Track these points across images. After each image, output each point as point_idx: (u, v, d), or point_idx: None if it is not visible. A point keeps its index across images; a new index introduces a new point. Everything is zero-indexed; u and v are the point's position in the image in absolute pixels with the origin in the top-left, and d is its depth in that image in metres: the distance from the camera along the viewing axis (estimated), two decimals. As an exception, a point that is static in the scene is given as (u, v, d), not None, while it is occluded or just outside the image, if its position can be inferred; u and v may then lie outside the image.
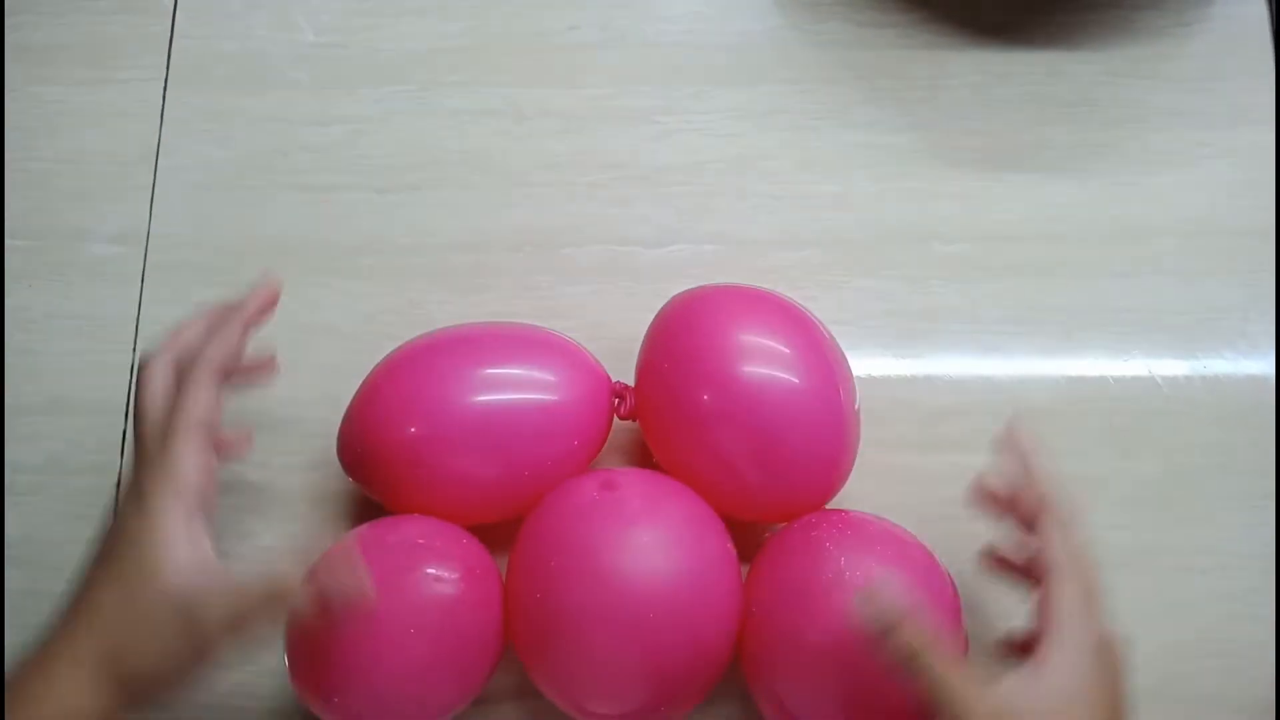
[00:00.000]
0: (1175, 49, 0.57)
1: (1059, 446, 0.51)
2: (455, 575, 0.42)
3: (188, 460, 0.38)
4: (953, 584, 0.44)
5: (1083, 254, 0.54)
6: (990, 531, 0.50)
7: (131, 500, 0.38)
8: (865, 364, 0.53)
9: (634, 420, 0.48)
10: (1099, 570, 0.40)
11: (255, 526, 0.50)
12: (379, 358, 0.47)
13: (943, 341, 0.53)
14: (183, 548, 0.37)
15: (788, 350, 0.45)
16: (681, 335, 0.46)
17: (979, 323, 0.53)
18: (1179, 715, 0.48)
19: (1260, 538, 0.50)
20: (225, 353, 0.41)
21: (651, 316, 0.53)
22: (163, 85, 0.57)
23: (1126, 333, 0.53)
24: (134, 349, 0.53)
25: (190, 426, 0.39)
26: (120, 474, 0.51)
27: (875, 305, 0.53)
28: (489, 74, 0.57)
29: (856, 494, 0.50)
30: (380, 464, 0.44)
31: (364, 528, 0.44)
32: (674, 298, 0.48)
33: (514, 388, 0.45)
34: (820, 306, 0.53)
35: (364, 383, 0.46)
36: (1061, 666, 0.37)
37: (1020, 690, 0.36)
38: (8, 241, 0.54)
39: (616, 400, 0.48)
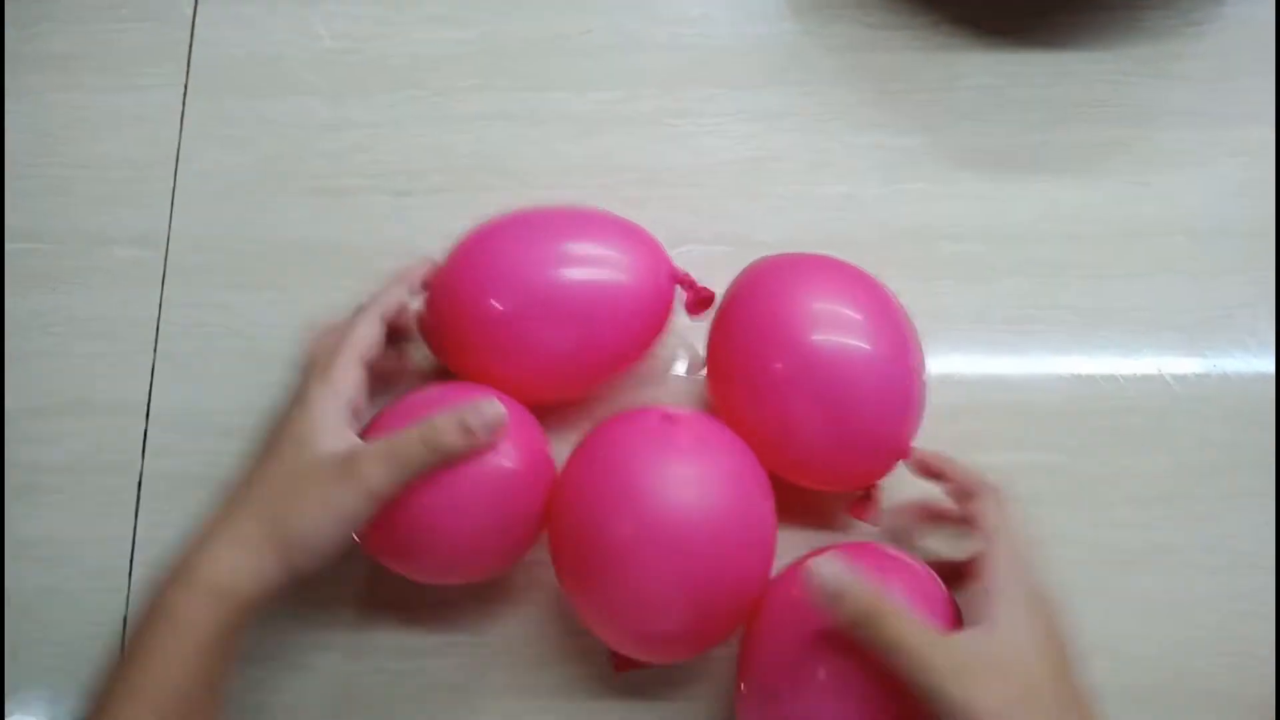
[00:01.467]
0: (1185, 48, 0.57)
1: (1069, 445, 0.52)
2: (515, 455, 0.44)
3: (347, 374, 0.43)
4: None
5: (1093, 254, 0.54)
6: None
7: (295, 404, 0.43)
8: (876, 364, 0.53)
9: (699, 317, 0.50)
10: (1030, 537, 0.42)
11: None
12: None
13: (953, 341, 0.53)
14: (334, 432, 0.42)
15: (860, 319, 0.45)
16: (754, 301, 0.47)
17: (989, 323, 0.53)
18: (1189, 713, 0.48)
19: (1270, 536, 0.50)
20: (393, 302, 0.46)
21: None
22: (182, 91, 0.58)
23: (1137, 332, 0.53)
24: (154, 350, 0.54)
25: (352, 349, 0.44)
26: (141, 474, 0.52)
27: (886, 305, 0.54)
28: (503, 78, 0.58)
29: (867, 492, 0.51)
30: (457, 334, 0.47)
31: (435, 388, 0.46)
32: (750, 264, 0.49)
33: (586, 264, 0.47)
34: (831, 307, 0.54)
35: (445, 258, 0.48)
36: (1011, 621, 0.38)
37: (977, 645, 0.37)
38: (30, 246, 0.55)
39: (681, 288, 0.50)
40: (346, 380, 0.43)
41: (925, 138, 0.56)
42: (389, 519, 0.43)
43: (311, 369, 0.44)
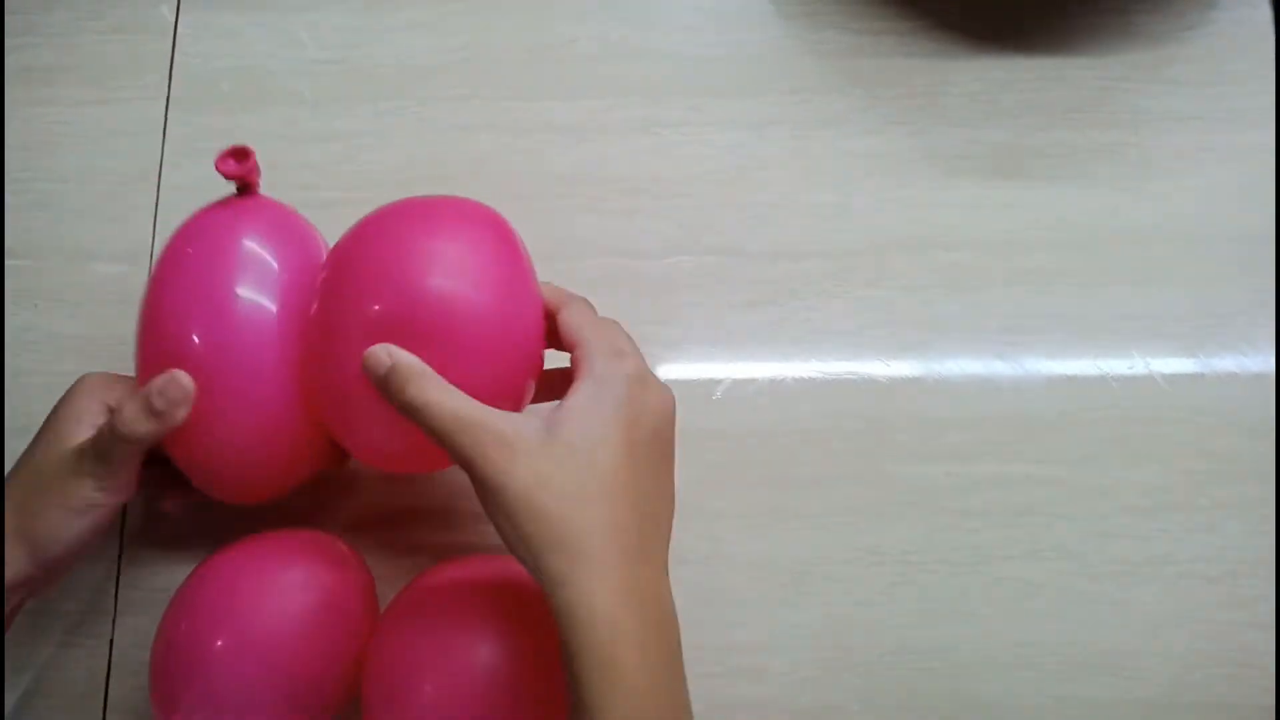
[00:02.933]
0: (1177, 52, 0.57)
1: (1065, 457, 0.51)
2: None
3: (128, 386, 0.44)
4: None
5: (1085, 261, 0.54)
6: (994, 543, 0.50)
7: (72, 390, 0.45)
8: (867, 374, 0.52)
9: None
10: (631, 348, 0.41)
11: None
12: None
13: (945, 351, 0.53)
14: (87, 427, 0.43)
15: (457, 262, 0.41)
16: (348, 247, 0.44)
17: (981, 332, 0.53)
18: (1187, 725, 0.48)
19: (1268, 545, 0.50)
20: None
21: (655, 329, 0.53)
22: (164, 104, 0.57)
23: (1131, 339, 0.53)
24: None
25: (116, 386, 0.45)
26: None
27: (877, 315, 0.53)
28: (489, 88, 0.57)
29: (859, 503, 0.50)
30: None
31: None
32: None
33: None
34: (822, 316, 0.53)
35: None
36: (590, 399, 0.38)
37: (530, 423, 0.37)
38: (11, 262, 0.55)
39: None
40: (122, 389, 0.44)
41: (915, 145, 0.56)
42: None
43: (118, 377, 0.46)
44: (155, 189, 0.56)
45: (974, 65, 0.57)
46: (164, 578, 0.50)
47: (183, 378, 0.41)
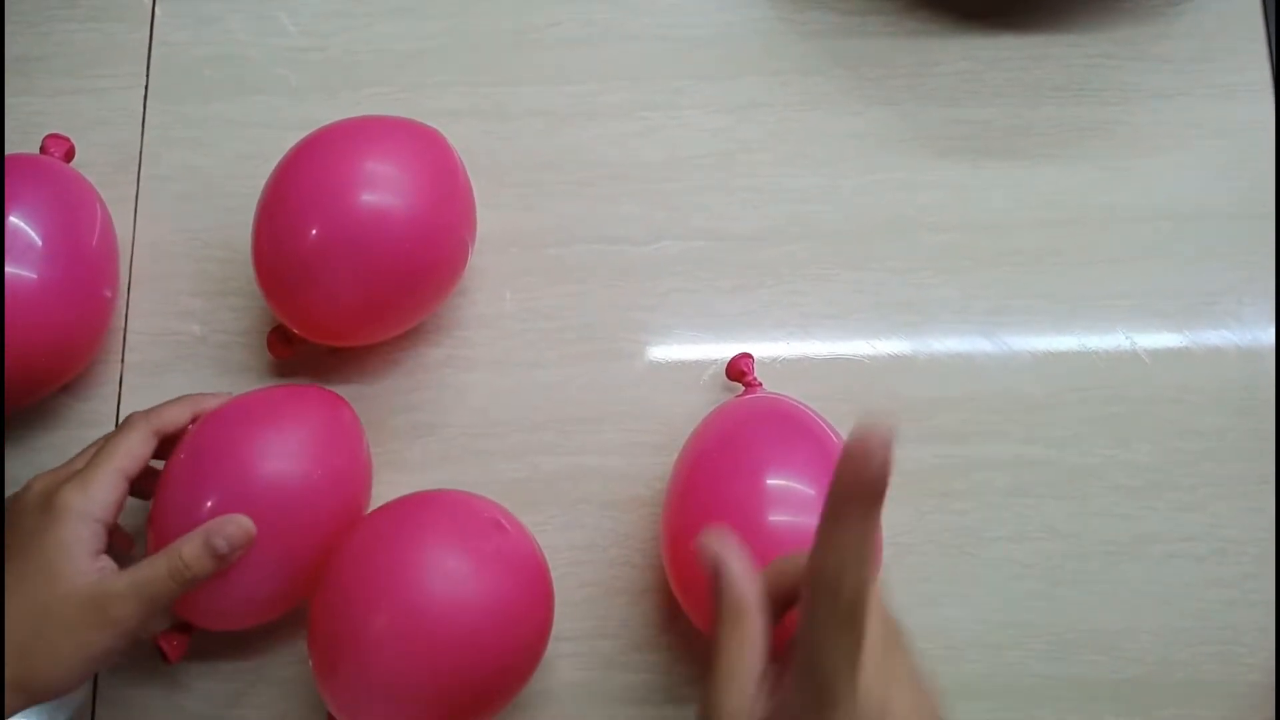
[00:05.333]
0: (1165, 29, 0.56)
1: (1053, 436, 0.51)
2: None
3: (105, 490, 0.42)
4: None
5: (1074, 240, 0.54)
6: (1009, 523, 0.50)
7: (45, 511, 0.41)
8: (855, 356, 0.52)
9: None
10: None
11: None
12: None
13: (933, 333, 0.53)
14: (85, 560, 0.40)
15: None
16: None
17: (969, 313, 0.53)
18: (1176, 702, 0.48)
19: (1256, 523, 0.50)
20: (168, 420, 0.45)
21: (642, 315, 0.53)
22: (143, 93, 0.56)
23: (1119, 319, 0.53)
24: (122, 361, 0.52)
25: (115, 461, 0.42)
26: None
27: (864, 298, 0.53)
28: (471, 73, 0.56)
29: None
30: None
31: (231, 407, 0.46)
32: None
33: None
34: (809, 300, 0.53)
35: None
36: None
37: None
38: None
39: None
40: (106, 497, 0.42)
41: (902, 125, 0.55)
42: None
43: (69, 472, 0.43)
44: (135, 180, 0.55)
45: (960, 44, 0.56)
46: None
47: (245, 521, 0.41)
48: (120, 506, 0.42)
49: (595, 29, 0.57)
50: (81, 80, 0.56)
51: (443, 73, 0.56)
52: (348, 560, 0.42)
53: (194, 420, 0.46)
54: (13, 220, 0.46)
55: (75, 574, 0.40)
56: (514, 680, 0.43)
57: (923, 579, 0.50)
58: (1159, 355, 0.52)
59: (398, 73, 0.56)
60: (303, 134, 0.55)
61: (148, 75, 0.57)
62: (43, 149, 0.52)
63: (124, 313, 0.53)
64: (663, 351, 0.53)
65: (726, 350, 0.52)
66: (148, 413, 0.45)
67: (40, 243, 0.46)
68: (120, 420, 0.50)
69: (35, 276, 0.45)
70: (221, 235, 0.54)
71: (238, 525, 0.41)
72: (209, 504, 0.42)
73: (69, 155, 0.52)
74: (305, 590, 0.44)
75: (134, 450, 0.43)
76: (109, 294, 0.50)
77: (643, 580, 0.50)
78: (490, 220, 0.52)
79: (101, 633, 0.39)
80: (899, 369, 0.52)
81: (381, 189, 0.46)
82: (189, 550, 0.41)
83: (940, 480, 0.51)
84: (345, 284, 0.46)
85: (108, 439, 0.44)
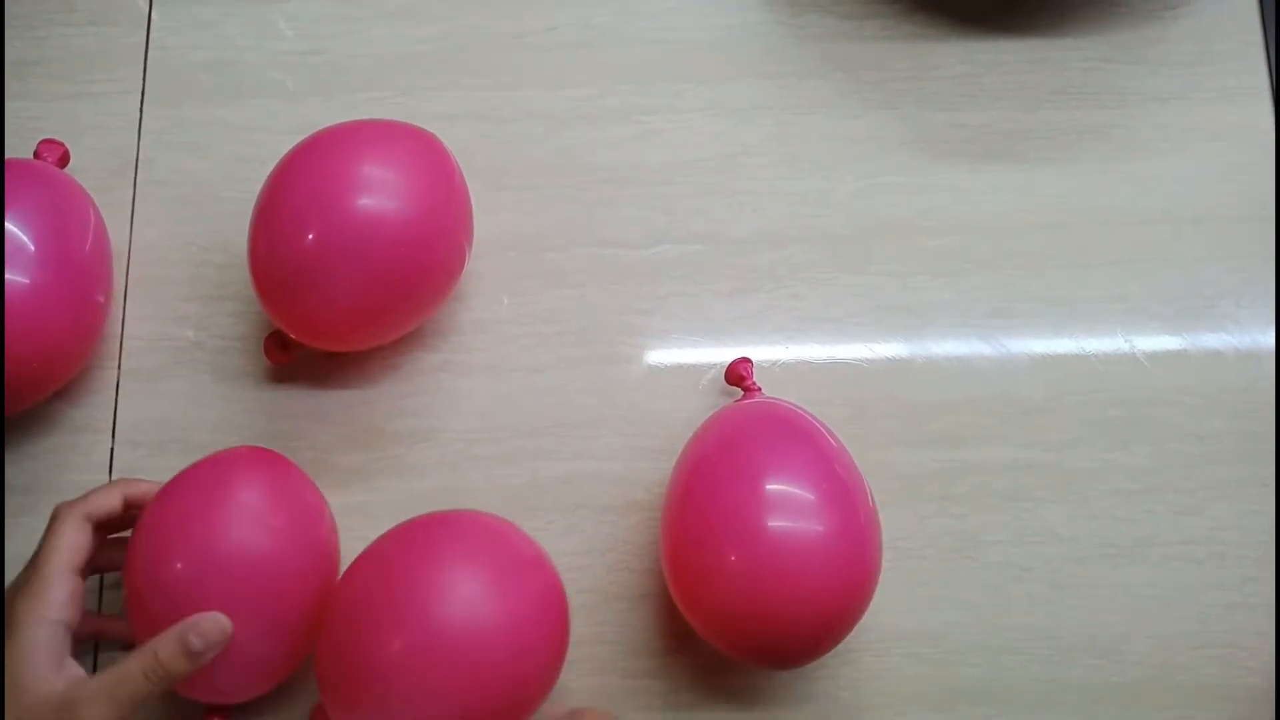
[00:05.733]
0: (1162, 33, 0.56)
1: (1052, 439, 0.51)
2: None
3: (57, 590, 0.41)
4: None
5: (1072, 243, 0.54)
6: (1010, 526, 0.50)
7: (10, 633, 0.40)
8: (854, 360, 0.52)
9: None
10: None
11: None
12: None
13: (931, 336, 0.52)
14: (47, 667, 0.40)
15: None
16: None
17: (968, 316, 0.53)
18: (1175, 706, 0.48)
19: (1255, 526, 0.50)
20: (96, 507, 0.44)
21: (640, 319, 0.53)
22: (139, 97, 0.56)
23: (1117, 322, 0.53)
24: (118, 366, 0.52)
25: (60, 559, 0.42)
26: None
27: (863, 301, 0.53)
28: (469, 77, 0.56)
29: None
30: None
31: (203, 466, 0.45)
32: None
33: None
34: (807, 303, 0.53)
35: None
36: None
37: None
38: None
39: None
40: (57, 597, 0.41)
41: (900, 129, 0.55)
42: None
43: (20, 582, 0.42)
44: (132, 184, 0.55)
45: (958, 48, 0.56)
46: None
47: (222, 619, 0.40)
48: (76, 600, 0.42)
49: (593, 32, 0.57)
50: (78, 85, 0.56)
51: (440, 76, 0.56)
52: (364, 591, 0.41)
53: (127, 506, 0.45)
54: (5, 226, 0.46)
55: (39, 683, 0.39)
56: (528, 708, 0.42)
57: (922, 583, 0.50)
58: (1157, 358, 0.52)
59: (395, 76, 0.56)
60: (300, 138, 0.55)
61: (144, 80, 0.56)
62: (36, 154, 0.52)
63: (120, 318, 0.53)
64: (661, 355, 0.53)
65: (725, 354, 0.52)
66: (75, 502, 0.44)
67: (32, 248, 0.46)
68: (113, 432, 0.50)
69: (27, 282, 0.45)
70: (218, 240, 0.54)
71: (214, 623, 0.40)
72: (179, 586, 0.41)
73: (63, 160, 0.52)
74: (303, 649, 0.44)
75: (72, 543, 0.42)
76: (102, 299, 0.50)
77: (641, 585, 0.49)
78: (488, 224, 0.52)
79: None
80: (897, 372, 0.52)
81: (377, 193, 0.46)
82: (164, 650, 0.40)
83: (939, 484, 0.51)
84: (341, 289, 0.46)
85: (44, 539, 0.43)
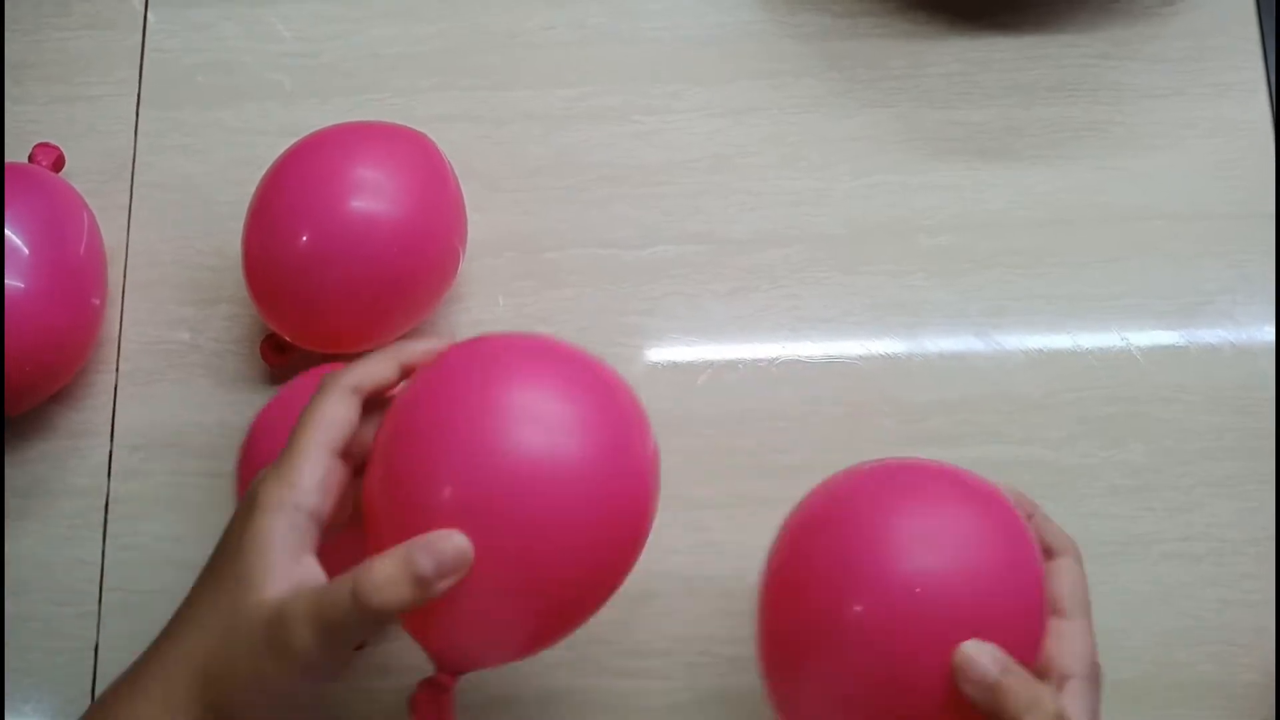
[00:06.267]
0: (1158, 29, 0.56)
1: (1049, 437, 0.51)
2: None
3: (309, 471, 0.33)
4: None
5: (1068, 241, 0.54)
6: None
7: (243, 508, 0.34)
8: (850, 359, 0.52)
9: None
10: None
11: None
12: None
13: (928, 335, 0.52)
14: (284, 564, 0.32)
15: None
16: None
17: (965, 315, 0.53)
18: (1174, 703, 0.48)
19: (1253, 523, 0.50)
20: (367, 377, 0.36)
21: (637, 319, 0.53)
22: (136, 100, 0.56)
23: (1114, 319, 0.53)
24: (116, 370, 0.52)
25: (315, 434, 0.34)
26: (107, 497, 0.51)
27: (859, 301, 0.53)
28: (465, 77, 0.56)
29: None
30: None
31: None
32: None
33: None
34: (804, 304, 0.53)
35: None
36: None
37: None
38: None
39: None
40: (306, 479, 0.33)
41: (896, 127, 0.55)
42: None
43: (267, 469, 0.35)
44: (129, 188, 0.55)
45: (953, 45, 0.56)
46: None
47: (461, 541, 0.32)
48: (333, 489, 0.34)
49: (589, 32, 0.57)
50: (74, 87, 0.56)
51: (436, 77, 0.56)
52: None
53: (404, 376, 0.37)
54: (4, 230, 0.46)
55: (267, 579, 0.32)
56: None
57: (919, 581, 0.50)
58: (1154, 355, 0.52)
59: (391, 77, 0.56)
60: (297, 140, 0.55)
61: (140, 82, 0.56)
62: (31, 158, 0.52)
63: (118, 321, 0.53)
64: (658, 355, 0.53)
65: (722, 354, 0.52)
66: (342, 372, 0.36)
67: (26, 252, 0.46)
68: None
69: (21, 286, 0.45)
70: (214, 242, 0.54)
71: (451, 543, 0.32)
72: (438, 494, 0.33)
73: (58, 164, 0.52)
74: (574, 617, 0.36)
75: (331, 417, 0.34)
76: (97, 302, 0.50)
77: (639, 588, 0.49)
78: (484, 225, 0.52)
79: (279, 664, 0.31)
80: (894, 371, 0.52)
81: (369, 195, 0.46)
82: (382, 571, 0.31)
83: (936, 482, 0.51)
84: (335, 291, 0.46)
85: (302, 411, 0.35)
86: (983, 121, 0.55)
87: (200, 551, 0.49)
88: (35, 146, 0.52)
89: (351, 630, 0.31)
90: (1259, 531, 0.50)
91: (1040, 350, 0.52)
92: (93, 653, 0.49)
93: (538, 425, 0.34)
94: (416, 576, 0.31)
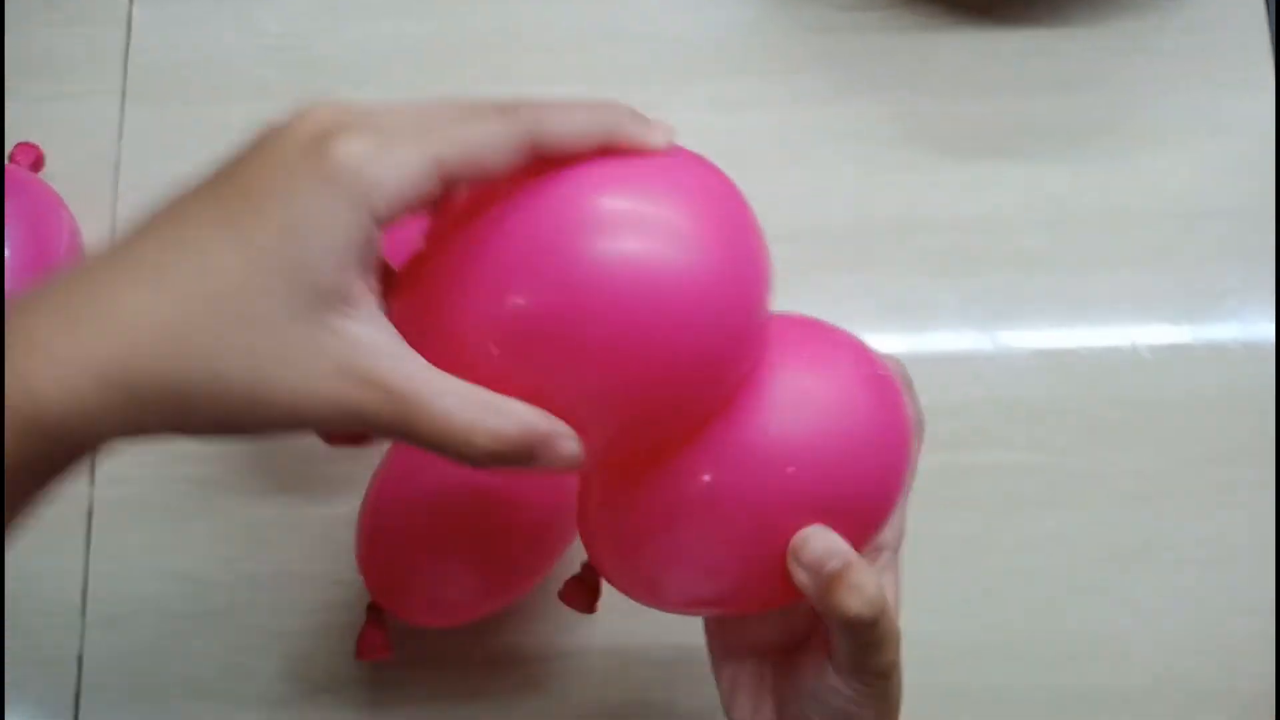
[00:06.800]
0: (1166, 23, 0.55)
1: (1055, 441, 0.50)
2: None
3: (406, 168, 0.25)
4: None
5: (1074, 239, 0.53)
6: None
7: (306, 155, 0.25)
8: (854, 363, 0.51)
9: None
10: None
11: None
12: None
13: (931, 336, 0.52)
14: (349, 254, 0.24)
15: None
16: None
17: (968, 316, 0.52)
18: (1179, 711, 0.47)
19: (1260, 529, 0.49)
20: (556, 131, 0.28)
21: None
22: (120, 98, 0.55)
23: (1121, 319, 0.52)
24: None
25: (436, 147, 0.25)
26: (90, 504, 0.50)
27: (861, 301, 0.52)
28: (461, 74, 0.55)
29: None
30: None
31: None
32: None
33: None
34: (805, 303, 0.52)
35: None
36: None
37: None
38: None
39: None
40: (399, 180, 0.24)
41: (899, 124, 0.54)
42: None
43: (363, 121, 0.25)
44: (113, 188, 0.54)
45: (958, 40, 0.55)
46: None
47: (572, 440, 0.27)
48: (412, 217, 0.25)
49: (587, 28, 0.56)
50: (56, 85, 0.55)
51: (432, 72, 0.55)
52: None
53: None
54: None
55: (319, 282, 0.24)
56: None
57: (923, 588, 0.48)
58: (1162, 358, 0.51)
59: (384, 74, 0.55)
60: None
61: (125, 80, 0.55)
62: (10, 158, 0.51)
63: (103, 324, 0.52)
64: (656, 358, 0.52)
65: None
66: (540, 109, 0.27)
67: (5, 253, 0.45)
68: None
69: None
70: (202, 243, 0.53)
71: (569, 448, 0.27)
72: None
73: (37, 164, 0.51)
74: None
75: (483, 144, 0.26)
76: None
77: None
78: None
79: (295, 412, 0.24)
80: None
81: None
82: (462, 415, 0.25)
83: (940, 488, 0.49)
84: None
85: (439, 111, 0.26)
86: (988, 117, 0.54)
87: (187, 562, 0.49)
88: (15, 146, 0.51)
89: (369, 422, 0.24)
90: (1266, 538, 0.49)
91: (1046, 352, 0.51)
92: (76, 664, 0.48)
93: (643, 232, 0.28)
94: (528, 450, 0.25)
